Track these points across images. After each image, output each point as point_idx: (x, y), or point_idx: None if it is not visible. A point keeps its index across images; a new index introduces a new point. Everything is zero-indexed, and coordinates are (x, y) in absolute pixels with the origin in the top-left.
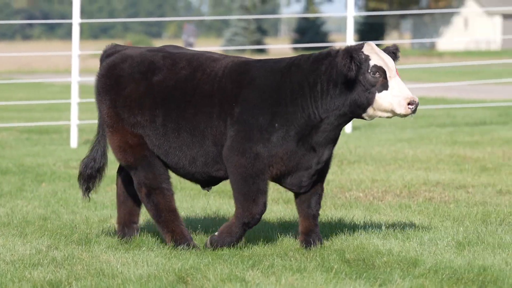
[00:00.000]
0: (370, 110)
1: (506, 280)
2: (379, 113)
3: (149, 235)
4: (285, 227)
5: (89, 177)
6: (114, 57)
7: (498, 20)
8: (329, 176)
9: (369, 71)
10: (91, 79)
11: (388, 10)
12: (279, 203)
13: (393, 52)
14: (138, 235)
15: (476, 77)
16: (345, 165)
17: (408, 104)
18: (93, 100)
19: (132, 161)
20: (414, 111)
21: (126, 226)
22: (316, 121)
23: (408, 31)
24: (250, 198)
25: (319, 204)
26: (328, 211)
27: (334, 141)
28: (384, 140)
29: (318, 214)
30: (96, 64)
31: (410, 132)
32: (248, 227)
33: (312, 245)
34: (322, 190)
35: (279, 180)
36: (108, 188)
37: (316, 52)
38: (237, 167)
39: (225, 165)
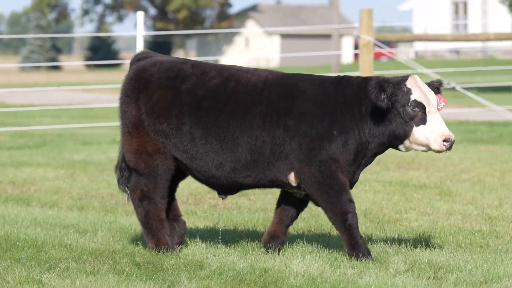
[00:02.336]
0: (406, 142)
1: (286, 281)
2: (415, 146)
3: None
4: (79, 232)
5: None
6: (144, 61)
7: (276, 39)
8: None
9: (409, 104)
10: None
11: (175, 30)
12: (74, 210)
13: (436, 87)
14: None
15: None
16: None
17: (444, 141)
18: None
19: (142, 167)
20: (449, 148)
21: (174, 222)
22: (364, 141)
23: (193, 50)
24: (334, 200)
25: (297, 217)
26: (119, 217)
27: (365, 167)
28: None
29: (291, 224)
30: None
31: None
32: (352, 227)
33: (271, 249)
34: (306, 206)
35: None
36: None
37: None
38: (309, 178)
39: (256, 173)
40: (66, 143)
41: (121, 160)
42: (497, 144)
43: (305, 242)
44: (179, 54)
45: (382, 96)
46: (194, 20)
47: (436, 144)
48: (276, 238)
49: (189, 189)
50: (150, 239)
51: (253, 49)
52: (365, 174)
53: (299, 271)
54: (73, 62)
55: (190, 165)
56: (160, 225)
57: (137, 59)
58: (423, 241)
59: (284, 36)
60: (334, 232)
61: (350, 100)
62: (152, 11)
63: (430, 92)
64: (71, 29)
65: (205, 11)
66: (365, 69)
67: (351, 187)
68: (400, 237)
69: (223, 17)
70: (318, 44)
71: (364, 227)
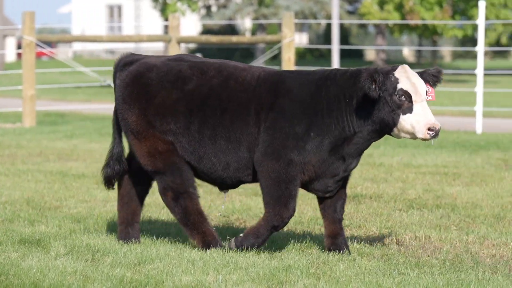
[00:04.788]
0: (395, 130)
1: None
2: (402, 134)
3: None
4: None
5: (109, 181)
6: (136, 66)
7: None
8: None
9: (396, 93)
10: None
11: None
12: None
13: (433, 75)
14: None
15: None
16: None
17: (428, 129)
18: None
19: (161, 167)
20: (434, 136)
21: (129, 227)
22: (350, 134)
23: None
24: (282, 202)
25: (343, 208)
26: None
27: (363, 152)
28: None
29: (343, 218)
30: None
31: None
32: (275, 230)
33: (340, 249)
34: (346, 195)
35: (305, 185)
36: None
37: (353, 68)
38: (270, 172)
39: (254, 171)
40: None
41: (110, 154)
42: None
43: None
44: None
45: (374, 86)
46: None
47: (421, 133)
48: (338, 236)
49: None
50: (195, 235)
51: None
52: (28, 165)
53: None
54: None
55: (198, 166)
56: (201, 218)
57: (123, 63)
58: (82, 227)
59: None
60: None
61: (335, 97)
62: None
63: (419, 82)
64: None
65: None
66: (27, 68)
67: (345, 173)
68: (60, 222)
69: None
70: None
71: (26, 214)
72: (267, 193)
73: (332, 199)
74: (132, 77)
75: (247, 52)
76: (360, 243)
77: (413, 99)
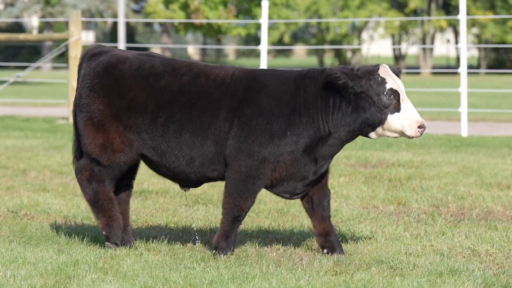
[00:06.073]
0: (379, 130)
1: None
2: (388, 133)
3: None
4: None
5: None
6: (108, 56)
7: None
8: None
9: (385, 93)
10: None
11: None
12: None
13: (396, 74)
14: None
15: None
16: None
17: (418, 127)
18: None
19: (103, 160)
20: (421, 134)
21: (123, 232)
22: (325, 134)
23: None
24: (244, 195)
25: (330, 205)
26: None
27: (335, 154)
28: None
29: (331, 215)
30: None
31: None
32: (238, 221)
33: (334, 246)
34: (329, 192)
35: (273, 187)
36: None
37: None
38: (242, 167)
39: (220, 166)
40: None
41: (75, 152)
42: None
43: None
44: None
45: (351, 84)
46: None
47: (412, 131)
48: (330, 234)
49: None
50: (101, 217)
51: None
52: None
53: None
54: None
55: (159, 161)
56: (111, 203)
57: (91, 54)
58: None
59: None
60: None
61: (312, 96)
62: None
63: (399, 80)
64: None
65: None
66: None
67: (314, 176)
68: None
69: None
70: None
71: None
72: (232, 185)
73: (319, 198)
74: (104, 67)
75: (35, 49)
76: (147, 238)
77: (400, 97)
